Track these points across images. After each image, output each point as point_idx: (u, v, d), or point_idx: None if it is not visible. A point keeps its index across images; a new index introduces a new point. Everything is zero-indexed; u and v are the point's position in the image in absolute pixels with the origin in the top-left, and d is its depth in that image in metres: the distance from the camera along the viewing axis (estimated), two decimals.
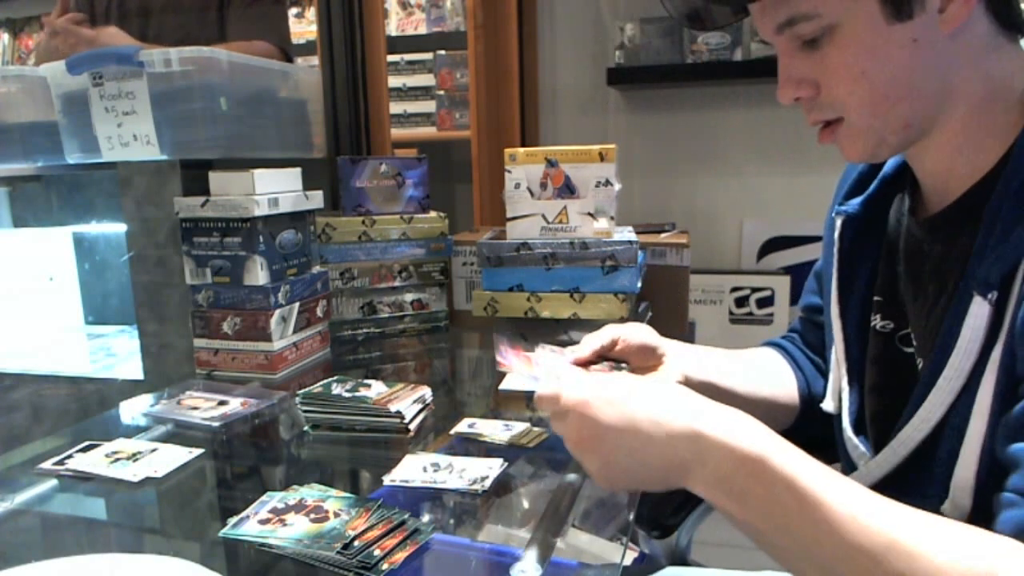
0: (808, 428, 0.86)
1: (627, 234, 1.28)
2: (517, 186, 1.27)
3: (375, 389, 0.94)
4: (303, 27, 2.36)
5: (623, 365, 0.76)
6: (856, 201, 0.76)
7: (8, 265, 1.62)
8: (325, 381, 0.97)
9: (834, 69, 0.61)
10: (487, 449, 0.83)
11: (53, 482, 0.78)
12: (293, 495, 0.70)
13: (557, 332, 1.25)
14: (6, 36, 2.68)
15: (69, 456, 0.82)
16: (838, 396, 0.77)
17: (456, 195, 2.20)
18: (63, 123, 1.21)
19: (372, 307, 1.34)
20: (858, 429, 0.75)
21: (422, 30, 2.28)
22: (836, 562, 0.49)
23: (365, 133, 1.85)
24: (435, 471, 0.76)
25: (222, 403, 0.98)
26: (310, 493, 0.70)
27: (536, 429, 0.86)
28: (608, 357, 0.76)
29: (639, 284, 1.28)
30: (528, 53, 1.95)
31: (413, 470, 0.76)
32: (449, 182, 2.21)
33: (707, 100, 1.87)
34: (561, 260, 1.25)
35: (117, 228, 1.46)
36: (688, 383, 0.76)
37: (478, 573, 0.63)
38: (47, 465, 0.80)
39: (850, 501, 0.50)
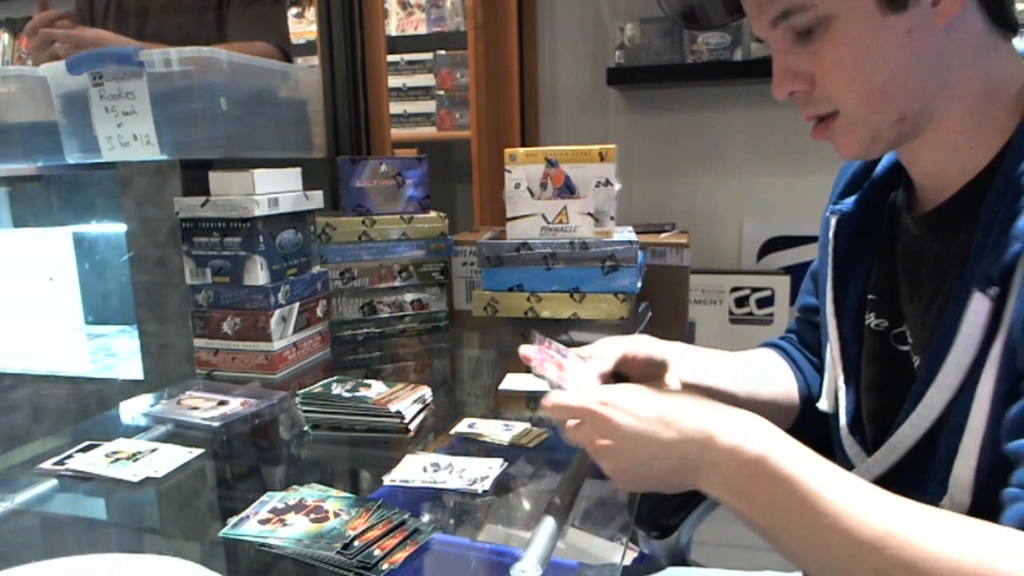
0: (808, 429, 0.86)
1: (627, 234, 1.28)
2: (517, 186, 1.27)
3: (375, 389, 0.94)
4: (303, 27, 2.36)
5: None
6: (850, 200, 0.76)
7: (8, 265, 1.62)
8: (325, 381, 0.97)
9: (829, 61, 0.61)
10: (487, 449, 0.83)
11: (53, 482, 0.78)
12: (293, 495, 0.70)
13: (557, 332, 1.25)
14: (6, 36, 2.68)
15: (69, 456, 0.82)
16: (834, 396, 0.78)
17: (456, 195, 2.20)
18: (63, 123, 1.21)
19: (372, 307, 1.34)
20: (855, 428, 0.75)
21: (422, 30, 2.28)
22: (839, 556, 0.50)
23: (365, 133, 1.85)
24: (435, 471, 0.76)
25: (222, 403, 0.98)
26: (310, 493, 0.70)
27: (536, 429, 0.86)
28: (616, 374, 0.75)
29: (639, 284, 1.28)
30: (528, 53, 1.95)
31: (413, 470, 0.76)
32: (449, 182, 2.21)
33: (707, 100, 1.87)
34: (561, 260, 1.25)
35: (117, 228, 1.46)
36: (688, 386, 0.76)
37: (478, 573, 0.63)
38: (47, 465, 0.80)
39: (849, 494, 0.51)
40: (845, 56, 0.60)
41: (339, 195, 1.36)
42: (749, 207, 1.88)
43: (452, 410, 1.00)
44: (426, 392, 0.95)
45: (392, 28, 2.28)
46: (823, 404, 0.79)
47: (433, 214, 1.36)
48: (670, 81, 1.81)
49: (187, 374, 1.15)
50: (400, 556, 0.60)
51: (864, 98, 0.62)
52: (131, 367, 1.31)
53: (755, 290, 1.82)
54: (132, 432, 0.91)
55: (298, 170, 1.20)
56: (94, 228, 1.58)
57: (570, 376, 0.68)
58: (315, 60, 1.96)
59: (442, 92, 2.26)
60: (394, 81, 2.25)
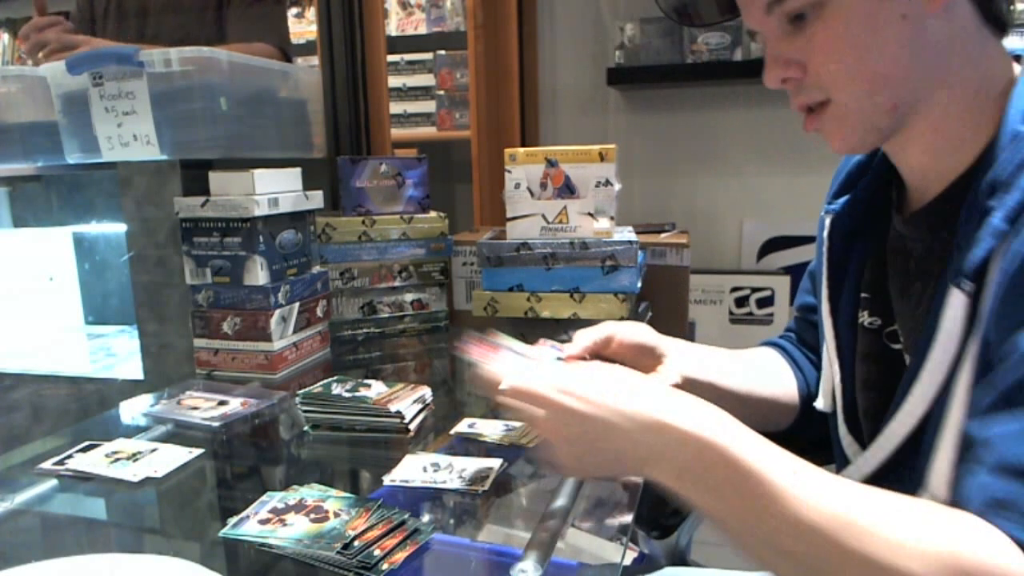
0: (808, 427, 0.86)
1: (627, 234, 1.28)
2: (517, 186, 1.27)
3: (375, 389, 0.94)
4: (303, 27, 2.36)
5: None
6: (843, 200, 0.77)
7: (8, 265, 1.62)
8: (325, 381, 0.97)
9: (821, 46, 0.61)
10: (487, 449, 0.83)
11: (53, 482, 0.78)
12: (293, 495, 0.70)
13: (557, 332, 1.25)
14: (6, 36, 2.68)
15: (69, 456, 0.82)
16: (831, 394, 0.78)
17: (456, 195, 2.20)
18: (63, 123, 1.21)
19: (372, 307, 1.34)
20: (852, 426, 0.75)
21: (422, 30, 2.28)
22: (791, 543, 0.49)
23: (365, 133, 1.85)
24: (435, 471, 0.76)
25: (222, 403, 0.98)
26: (310, 493, 0.70)
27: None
28: (602, 357, 0.76)
29: (639, 284, 1.28)
30: (528, 53, 1.95)
31: (413, 470, 0.76)
32: (449, 182, 2.21)
33: (707, 100, 1.87)
34: (561, 260, 1.25)
35: (117, 228, 1.46)
36: (688, 383, 0.76)
37: (478, 573, 0.63)
38: (47, 465, 0.80)
39: (801, 481, 0.50)
40: (837, 39, 0.60)
41: (339, 195, 1.36)
42: (749, 207, 1.88)
43: (452, 410, 1.00)
44: (426, 392, 0.95)
45: (392, 28, 2.28)
46: (820, 403, 0.80)
47: (433, 214, 1.36)
48: (670, 81, 1.82)
49: (187, 374, 1.15)
50: (400, 556, 0.60)
51: (856, 83, 0.61)
52: (131, 367, 1.31)
53: (755, 290, 1.82)
54: (132, 432, 0.91)
55: (298, 170, 1.20)
56: (94, 228, 1.58)
57: (512, 362, 0.68)
58: (315, 60, 1.96)
59: (442, 92, 2.26)
60: (394, 81, 2.25)
